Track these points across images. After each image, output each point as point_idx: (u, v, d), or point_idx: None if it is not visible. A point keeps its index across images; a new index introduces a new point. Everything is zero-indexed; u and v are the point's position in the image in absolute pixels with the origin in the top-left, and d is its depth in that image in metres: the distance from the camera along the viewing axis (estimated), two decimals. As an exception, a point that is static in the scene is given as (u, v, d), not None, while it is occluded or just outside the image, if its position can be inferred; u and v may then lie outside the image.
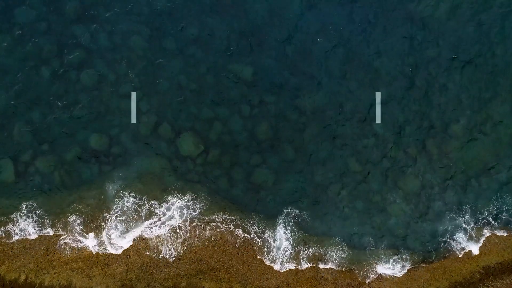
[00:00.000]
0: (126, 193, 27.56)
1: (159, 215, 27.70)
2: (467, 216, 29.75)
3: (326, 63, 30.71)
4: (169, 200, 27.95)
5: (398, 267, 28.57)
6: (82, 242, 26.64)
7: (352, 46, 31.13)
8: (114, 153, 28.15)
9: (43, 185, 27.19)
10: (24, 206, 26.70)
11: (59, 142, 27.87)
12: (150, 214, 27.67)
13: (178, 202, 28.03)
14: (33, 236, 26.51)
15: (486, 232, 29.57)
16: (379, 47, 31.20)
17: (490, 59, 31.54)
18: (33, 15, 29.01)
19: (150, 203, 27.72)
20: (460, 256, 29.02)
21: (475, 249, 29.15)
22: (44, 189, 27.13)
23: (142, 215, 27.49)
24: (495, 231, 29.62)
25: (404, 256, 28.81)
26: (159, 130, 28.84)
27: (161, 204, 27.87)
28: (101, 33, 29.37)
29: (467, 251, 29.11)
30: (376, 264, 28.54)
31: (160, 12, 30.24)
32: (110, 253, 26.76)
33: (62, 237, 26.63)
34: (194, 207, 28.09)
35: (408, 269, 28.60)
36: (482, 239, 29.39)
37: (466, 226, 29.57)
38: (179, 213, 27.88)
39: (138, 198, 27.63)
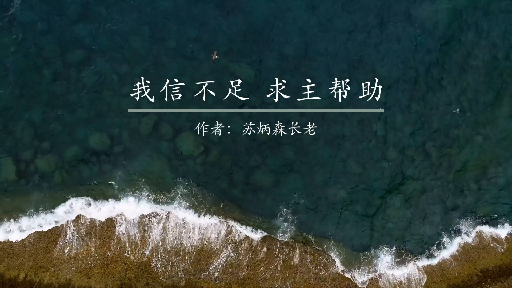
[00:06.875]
0: (127, 193, 27.65)
1: (159, 214, 27.81)
2: (466, 219, 29.81)
3: (326, 64, 30.74)
4: (169, 200, 28.05)
5: (396, 269, 28.64)
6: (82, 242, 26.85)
7: (353, 47, 31.15)
8: (114, 153, 28.20)
9: (43, 184, 27.26)
10: (25, 204, 26.79)
11: (60, 141, 27.92)
12: (150, 213, 27.82)
13: (178, 202, 28.11)
14: (33, 234, 26.60)
15: (485, 235, 29.64)
16: (380, 49, 31.22)
17: (492, 62, 31.56)
18: (34, 14, 29.02)
19: (150, 203, 27.82)
20: (458, 258, 29.10)
21: (473, 251, 29.21)
22: (44, 188, 27.19)
23: (141, 214, 27.62)
24: (493, 234, 29.68)
25: (402, 258, 28.88)
26: (159, 130, 28.89)
27: (160, 204, 28.00)
28: (102, 33, 29.39)
29: (465, 253, 29.18)
30: (374, 266, 28.61)
31: (162, 11, 30.26)
32: (110, 254, 26.92)
33: (62, 235, 26.75)
34: (193, 206, 28.16)
35: (406, 272, 28.68)
36: (481, 242, 29.45)
37: (465, 229, 29.64)
38: (178, 213, 27.97)
39: (137, 197, 27.74)
